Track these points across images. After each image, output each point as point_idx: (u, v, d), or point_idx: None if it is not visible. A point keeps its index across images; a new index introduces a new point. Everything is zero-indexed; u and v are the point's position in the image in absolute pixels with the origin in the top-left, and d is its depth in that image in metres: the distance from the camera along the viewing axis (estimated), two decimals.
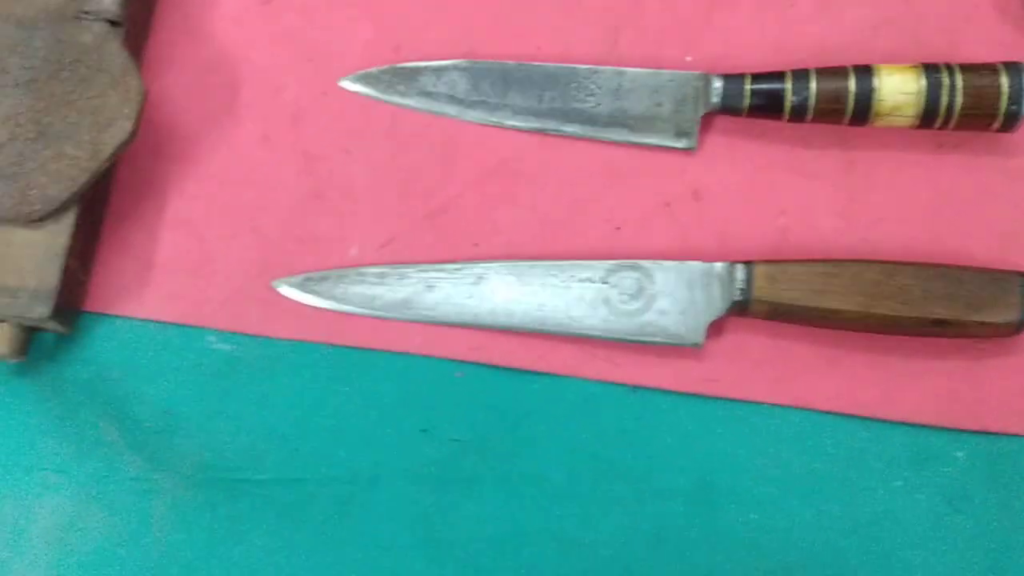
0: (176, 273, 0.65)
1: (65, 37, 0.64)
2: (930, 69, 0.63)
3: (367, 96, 0.68)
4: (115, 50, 0.64)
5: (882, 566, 0.61)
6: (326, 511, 0.62)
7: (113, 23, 0.65)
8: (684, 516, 0.62)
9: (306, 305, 0.64)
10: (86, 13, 0.64)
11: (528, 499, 0.62)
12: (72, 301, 0.64)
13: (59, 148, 0.62)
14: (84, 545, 0.61)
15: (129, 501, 0.62)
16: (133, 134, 0.62)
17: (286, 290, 0.65)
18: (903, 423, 0.63)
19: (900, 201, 0.66)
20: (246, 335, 0.64)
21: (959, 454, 0.63)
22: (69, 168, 0.61)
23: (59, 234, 0.62)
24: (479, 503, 0.62)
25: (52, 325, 0.62)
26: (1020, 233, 0.65)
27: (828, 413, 0.63)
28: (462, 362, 0.64)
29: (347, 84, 0.68)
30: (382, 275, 0.65)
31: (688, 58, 0.68)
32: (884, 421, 0.63)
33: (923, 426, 0.63)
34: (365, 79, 0.68)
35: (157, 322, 0.65)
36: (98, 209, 0.66)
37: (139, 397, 0.64)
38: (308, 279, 0.65)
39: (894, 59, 0.66)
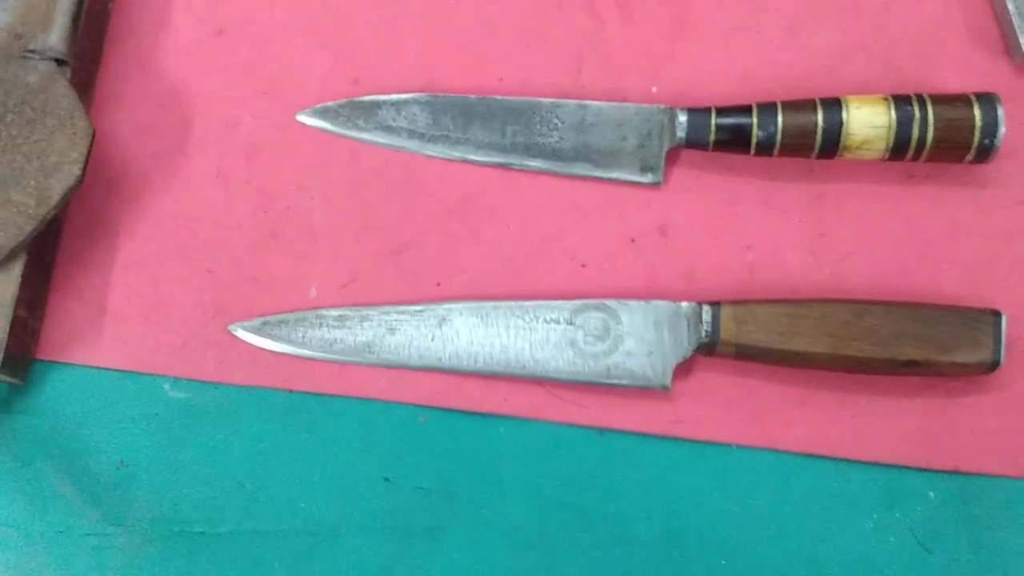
0: (129, 318, 0.64)
1: (9, 77, 0.62)
2: (900, 101, 0.62)
3: (325, 131, 0.66)
4: (62, 91, 0.62)
5: None
6: (287, 564, 0.60)
7: (60, 61, 0.63)
8: (653, 561, 0.61)
9: (264, 350, 0.63)
10: (31, 52, 0.62)
11: (494, 547, 0.61)
12: (24, 350, 0.62)
13: (4, 194, 0.60)
14: None
15: (85, 557, 0.60)
16: (81, 179, 0.61)
17: (243, 335, 0.63)
18: (874, 463, 0.62)
19: (870, 235, 0.64)
20: (202, 382, 0.63)
21: (931, 494, 0.62)
22: (15, 216, 0.60)
23: (7, 284, 0.60)
24: (444, 553, 0.61)
25: (3, 377, 0.60)
26: (993, 267, 0.64)
27: (798, 454, 0.62)
28: (426, 407, 0.63)
29: (304, 118, 0.67)
30: (342, 318, 0.63)
31: (654, 89, 0.67)
32: (855, 461, 0.62)
33: (894, 466, 0.62)
34: (323, 113, 0.66)
35: (111, 370, 0.63)
36: (48, 254, 0.64)
37: (94, 447, 0.62)
38: (266, 323, 0.63)
39: (865, 86, 0.65)
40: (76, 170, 0.60)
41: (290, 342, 0.63)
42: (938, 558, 0.61)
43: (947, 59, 0.67)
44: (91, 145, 0.61)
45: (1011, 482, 0.61)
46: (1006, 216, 0.64)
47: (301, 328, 0.63)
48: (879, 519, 0.61)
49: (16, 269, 0.60)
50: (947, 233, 0.65)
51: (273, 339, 0.63)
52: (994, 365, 0.60)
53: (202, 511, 0.61)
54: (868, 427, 0.62)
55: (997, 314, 0.60)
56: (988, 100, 0.62)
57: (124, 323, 0.64)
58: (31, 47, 0.62)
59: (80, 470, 0.62)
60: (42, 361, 0.63)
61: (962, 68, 0.67)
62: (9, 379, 0.61)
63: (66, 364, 0.63)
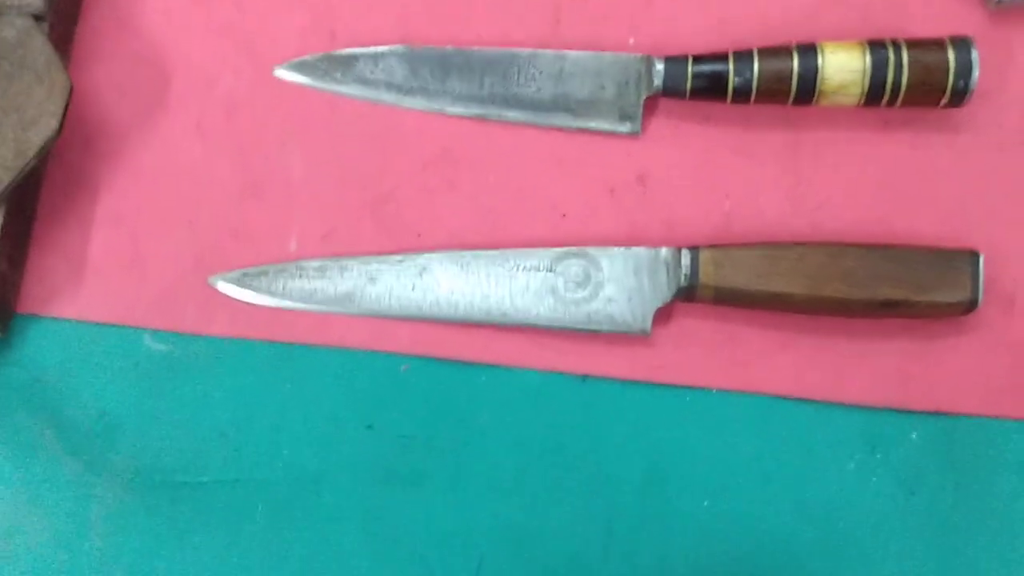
0: (109, 271, 0.64)
1: None
2: (875, 45, 0.62)
3: (303, 85, 0.66)
4: (39, 46, 0.62)
5: (836, 550, 0.60)
6: (270, 512, 0.60)
7: (37, 17, 0.63)
8: (635, 505, 0.61)
9: (244, 301, 0.63)
10: (8, 7, 0.62)
11: (477, 493, 0.61)
12: (4, 303, 0.62)
13: None
14: (22, 552, 0.60)
15: (67, 506, 0.60)
16: (59, 131, 0.61)
17: (223, 286, 0.63)
18: (855, 405, 0.62)
19: (847, 181, 0.65)
20: (183, 334, 0.63)
21: (912, 435, 0.62)
22: None
23: None
24: (427, 499, 0.61)
25: None
26: (970, 210, 0.64)
27: (779, 397, 0.62)
28: (407, 355, 0.63)
29: (282, 73, 0.67)
30: (322, 268, 0.63)
31: (631, 40, 0.67)
32: (836, 404, 0.62)
33: (875, 408, 0.62)
34: (300, 67, 0.67)
35: (91, 323, 0.63)
36: (27, 208, 0.64)
37: (75, 400, 0.62)
38: (246, 274, 0.63)
39: (841, 35, 0.65)
40: (54, 122, 0.60)
41: (270, 293, 0.63)
42: (920, 499, 0.61)
43: (922, 8, 0.67)
44: (69, 98, 0.61)
45: (992, 422, 0.62)
46: (981, 160, 0.65)
47: (281, 279, 0.63)
48: (861, 461, 0.61)
49: None
50: (924, 178, 0.65)
51: (253, 290, 0.63)
52: (972, 305, 0.60)
53: (184, 461, 0.61)
54: (848, 370, 0.62)
55: (975, 254, 0.60)
56: (962, 43, 0.62)
57: (104, 277, 0.64)
58: (7, 2, 0.62)
59: (62, 422, 0.62)
60: (22, 315, 0.63)
61: (937, 16, 0.67)
62: None
63: (47, 317, 0.63)
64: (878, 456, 0.62)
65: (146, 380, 0.62)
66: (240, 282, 0.63)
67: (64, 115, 0.61)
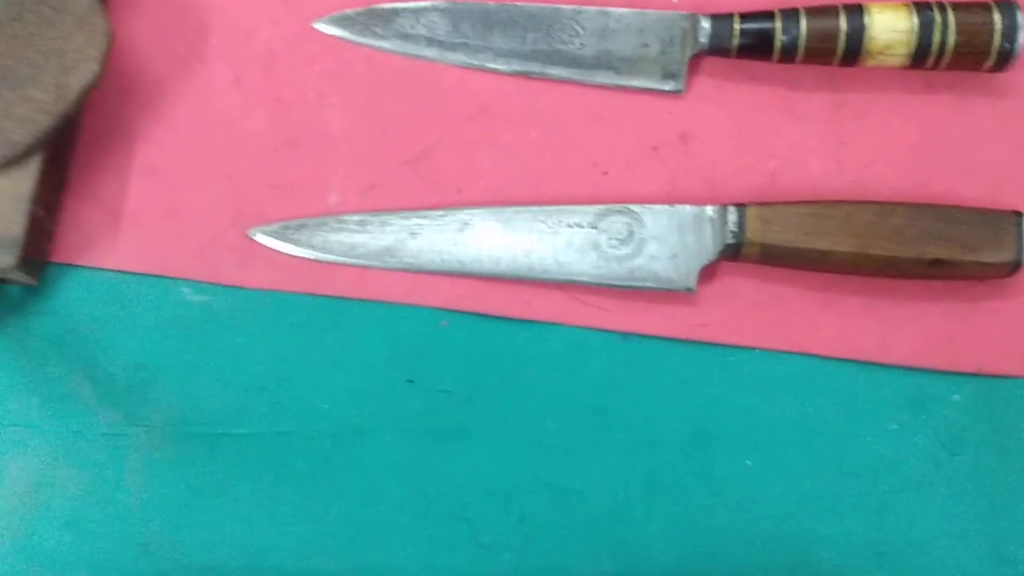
0: (146, 222, 0.63)
1: None
2: (922, 7, 0.62)
3: (343, 39, 0.66)
4: None
5: (878, 510, 0.60)
6: (310, 465, 0.60)
7: None
8: (678, 463, 0.60)
9: (284, 254, 0.62)
10: None
11: (518, 449, 0.60)
12: (39, 251, 0.61)
13: (22, 91, 0.59)
14: (57, 503, 0.59)
15: (103, 457, 0.59)
16: (99, 76, 0.60)
17: (263, 239, 0.62)
18: (898, 366, 0.62)
19: (891, 143, 0.64)
20: (222, 286, 0.62)
21: (955, 397, 0.62)
22: (33, 112, 0.59)
23: (24, 180, 0.59)
24: (468, 454, 0.60)
25: (18, 276, 0.59)
26: (1012, 174, 0.64)
27: (822, 357, 0.62)
28: (447, 311, 0.62)
29: (322, 26, 0.66)
30: (363, 222, 0.63)
31: None
32: (879, 365, 0.62)
33: (918, 369, 0.62)
34: (341, 21, 0.66)
35: (128, 273, 0.62)
36: (64, 156, 0.63)
37: (111, 350, 0.61)
38: (286, 227, 0.62)
39: None
40: (94, 67, 0.60)
41: (310, 246, 0.62)
42: (962, 460, 0.61)
43: None
44: (109, 44, 0.60)
45: None
46: None
47: (321, 232, 0.62)
48: (903, 422, 0.61)
49: (34, 166, 0.59)
50: (967, 141, 0.65)
51: (293, 243, 0.62)
52: (1016, 266, 0.60)
53: (223, 413, 0.60)
54: (891, 330, 0.62)
55: (1020, 215, 0.60)
56: (1008, 6, 0.62)
57: (141, 227, 0.63)
58: None
59: (97, 372, 0.60)
60: (57, 264, 0.62)
61: None
62: (25, 279, 0.60)
63: (82, 267, 0.62)
64: (921, 417, 0.61)
65: (184, 332, 0.61)
66: (280, 235, 0.62)
67: (104, 61, 0.60)
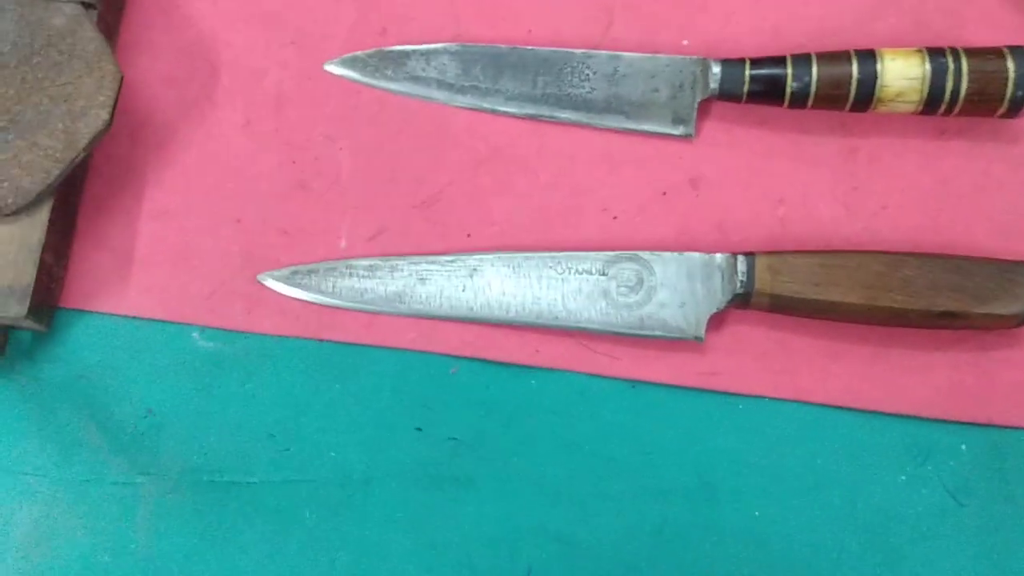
0: (156, 267, 0.63)
1: (36, 20, 0.61)
2: (934, 53, 0.62)
3: (353, 81, 0.66)
4: (89, 34, 0.61)
5: (885, 561, 0.60)
6: (317, 514, 0.60)
7: (87, 5, 0.62)
8: (685, 513, 0.60)
9: (293, 299, 0.62)
10: None
11: (526, 498, 0.60)
12: (49, 298, 0.61)
13: (32, 138, 0.59)
14: (66, 551, 0.59)
15: (112, 505, 0.60)
16: (109, 123, 0.60)
17: (272, 284, 0.62)
18: (906, 416, 0.62)
19: (902, 189, 0.64)
20: (231, 331, 0.62)
21: (963, 447, 0.61)
22: (43, 159, 0.59)
23: (33, 228, 0.59)
24: (475, 503, 0.60)
25: (28, 323, 0.59)
26: None
27: (830, 407, 0.62)
28: (457, 357, 0.62)
29: (332, 68, 0.66)
30: (372, 268, 0.63)
31: (685, 42, 0.66)
32: (887, 414, 0.62)
33: (926, 419, 0.62)
34: (351, 63, 0.66)
35: (137, 318, 0.62)
36: (73, 201, 0.63)
37: (121, 397, 0.61)
38: (295, 272, 0.62)
39: (895, 42, 0.64)
40: (104, 114, 0.60)
41: (320, 292, 0.62)
42: (970, 511, 0.61)
43: (976, 15, 0.67)
44: (119, 89, 0.60)
45: None
46: None
47: (331, 278, 0.62)
48: (911, 472, 0.61)
49: (43, 214, 0.59)
50: (979, 188, 0.64)
51: (303, 288, 0.62)
52: None
53: (232, 461, 0.60)
54: (900, 380, 0.62)
55: None
56: (1021, 53, 0.61)
57: (151, 272, 0.63)
58: None
59: (107, 419, 0.61)
60: (66, 310, 0.62)
61: (992, 23, 0.67)
62: (34, 326, 0.60)
63: (91, 312, 0.62)
64: (928, 467, 0.61)
65: (193, 378, 0.61)
66: (289, 280, 0.62)
67: (115, 106, 0.60)
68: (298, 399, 0.61)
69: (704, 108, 0.65)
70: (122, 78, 0.60)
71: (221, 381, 0.61)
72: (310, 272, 0.62)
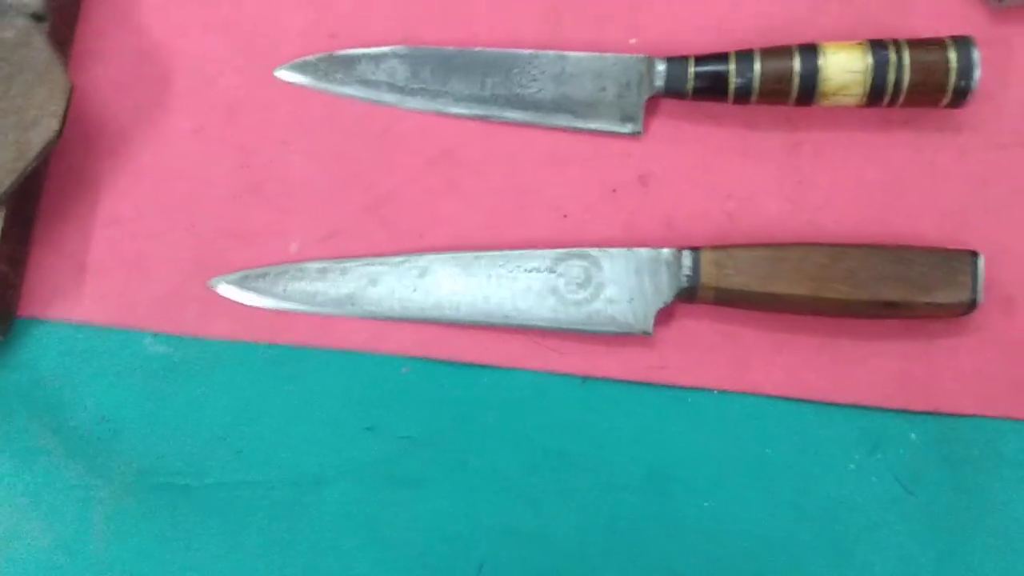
0: (110, 273, 0.64)
1: None
2: (877, 46, 0.62)
3: (304, 85, 0.66)
4: (39, 46, 0.62)
5: (836, 549, 0.61)
6: (271, 515, 0.60)
7: (37, 17, 0.63)
8: (638, 505, 0.61)
9: (245, 304, 0.63)
10: (8, 8, 0.62)
11: (478, 494, 0.61)
12: (5, 306, 0.62)
13: None
14: (23, 556, 0.60)
15: (69, 510, 0.60)
16: (59, 133, 0.60)
17: (224, 288, 0.63)
18: (855, 406, 0.62)
19: (848, 181, 0.65)
20: (184, 336, 0.63)
21: (912, 436, 0.62)
22: None
23: None
24: (428, 501, 0.61)
25: None
26: (971, 210, 0.64)
27: (779, 398, 0.62)
28: (408, 357, 0.63)
29: (283, 73, 0.67)
30: (323, 270, 0.63)
31: (632, 40, 0.67)
32: (836, 404, 0.62)
33: (875, 409, 0.62)
34: (301, 68, 0.66)
35: (92, 325, 0.63)
36: (28, 209, 0.64)
37: (76, 403, 0.62)
38: (246, 276, 0.63)
39: (841, 35, 0.65)
40: (55, 124, 0.60)
41: (271, 295, 0.63)
42: (919, 499, 0.61)
43: (921, 6, 0.67)
44: (69, 99, 0.61)
45: (991, 422, 0.62)
46: (982, 160, 0.65)
47: (282, 281, 0.63)
48: (860, 461, 0.62)
49: None
50: (924, 178, 0.65)
51: (254, 292, 0.63)
52: (972, 306, 0.60)
53: (186, 464, 0.61)
54: (848, 370, 0.62)
55: (975, 255, 0.60)
56: (963, 43, 0.62)
57: (105, 278, 0.64)
58: (8, 2, 0.62)
59: (63, 424, 0.61)
60: (23, 319, 0.63)
61: (937, 15, 0.67)
62: None
63: (47, 320, 0.63)
64: (878, 456, 0.62)
65: (147, 383, 0.62)
66: (241, 284, 0.63)
67: (65, 116, 0.61)
68: (250, 402, 0.62)
69: (651, 106, 0.65)
70: (72, 88, 0.61)
71: (174, 386, 0.62)
72: (261, 276, 0.63)
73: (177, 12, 0.68)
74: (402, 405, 0.62)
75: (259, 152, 0.66)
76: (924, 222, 0.64)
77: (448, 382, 0.63)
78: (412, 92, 0.66)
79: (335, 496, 0.61)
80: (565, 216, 0.65)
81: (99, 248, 0.64)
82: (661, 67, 0.64)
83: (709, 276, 0.60)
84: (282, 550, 0.60)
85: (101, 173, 0.65)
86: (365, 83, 0.66)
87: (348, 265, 0.63)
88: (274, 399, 0.62)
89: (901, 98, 0.62)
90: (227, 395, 0.62)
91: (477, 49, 0.66)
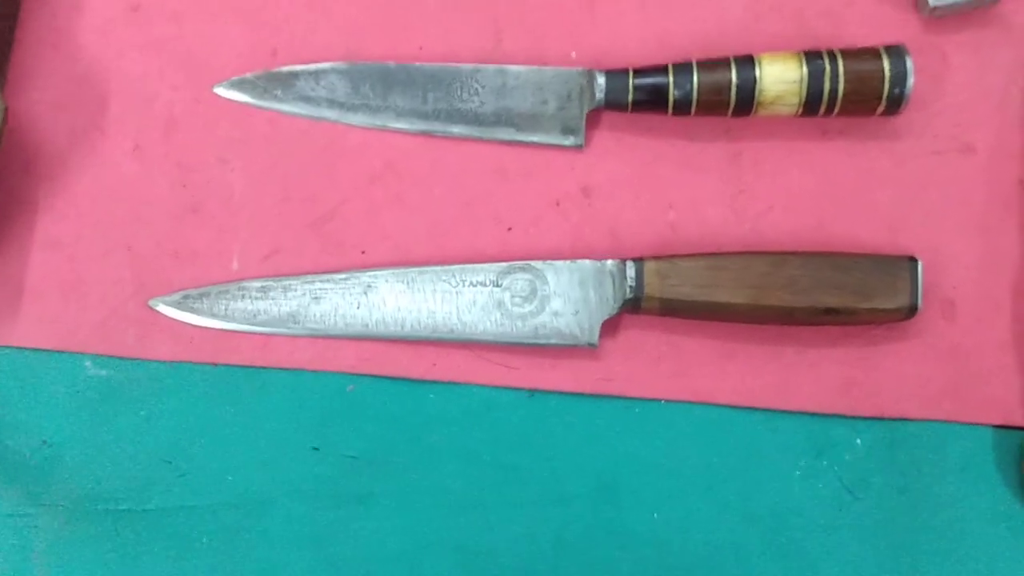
0: (48, 296, 0.63)
1: None
2: (811, 56, 0.63)
3: (243, 103, 0.66)
4: None
5: (784, 555, 0.61)
6: (217, 538, 0.60)
7: None
8: (586, 517, 0.61)
9: (186, 324, 0.62)
10: None
11: (427, 511, 0.61)
12: None
13: None
14: None
15: (9, 537, 0.60)
16: None
17: (164, 309, 0.62)
18: (800, 412, 0.63)
19: (788, 190, 0.65)
20: (124, 359, 0.62)
21: (857, 441, 0.63)
22: None
23: None
24: (376, 519, 0.60)
25: None
26: (908, 216, 0.65)
27: (725, 406, 0.63)
28: (354, 375, 0.62)
29: (222, 91, 0.66)
30: (265, 288, 0.63)
31: (573, 54, 0.67)
32: (781, 411, 0.63)
33: (820, 415, 0.63)
34: (240, 85, 0.66)
35: (30, 349, 0.62)
36: None
37: (14, 428, 0.61)
38: (187, 296, 0.62)
39: (778, 46, 0.65)
40: None
41: (212, 315, 0.62)
42: (865, 503, 0.62)
43: (857, 16, 0.68)
44: (4, 121, 0.60)
45: (934, 425, 0.62)
46: (919, 166, 0.66)
47: (223, 300, 0.62)
48: (806, 467, 0.62)
49: None
50: (862, 185, 0.66)
51: (195, 312, 0.62)
52: (912, 311, 0.61)
53: (128, 488, 0.60)
54: (793, 378, 0.63)
55: (914, 260, 0.61)
56: (897, 52, 0.63)
57: (43, 302, 0.63)
58: None
59: (1, 450, 0.60)
60: None
61: (872, 24, 0.68)
62: None
63: None
64: (824, 462, 0.62)
65: (87, 407, 0.61)
66: (181, 304, 0.62)
67: (0, 138, 0.60)
68: (193, 424, 0.61)
69: (593, 118, 0.66)
70: (7, 109, 0.60)
71: (115, 409, 0.61)
72: (202, 296, 0.62)
73: (114, 33, 0.67)
74: (348, 423, 0.62)
75: (199, 171, 0.65)
76: (863, 229, 0.65)
77: (394, 399, 0.62)
78: (353, 108, 0.66)
79: (281, 517, 0.60)
80: (509, 229, 0.65)
81: (37, 271, 0.63)
82: (601, 80, 0.64)
83: (653, 287, 0.61)
84: (228, 573, 0.59)
85: (38, 196, 0.64)
86: (306, 99, 0.66)
87: (290, 283, 0.63)
88: (217, 421, 0.61)
89: (837, 107, 0.63)
90: (170, 418, 0.61)
91: (418, 64, 0.66)
